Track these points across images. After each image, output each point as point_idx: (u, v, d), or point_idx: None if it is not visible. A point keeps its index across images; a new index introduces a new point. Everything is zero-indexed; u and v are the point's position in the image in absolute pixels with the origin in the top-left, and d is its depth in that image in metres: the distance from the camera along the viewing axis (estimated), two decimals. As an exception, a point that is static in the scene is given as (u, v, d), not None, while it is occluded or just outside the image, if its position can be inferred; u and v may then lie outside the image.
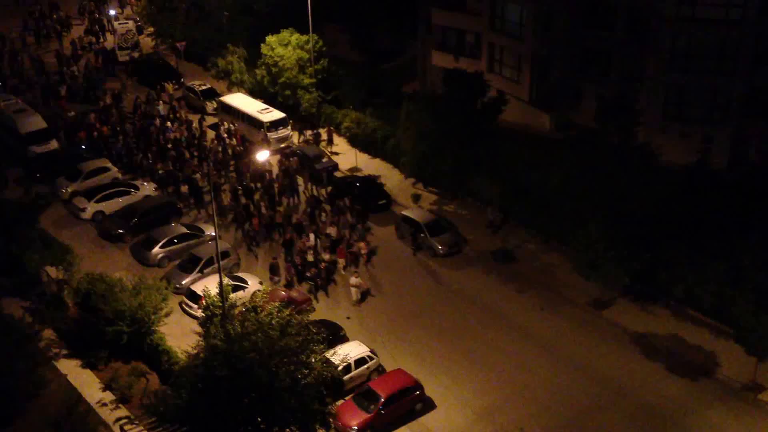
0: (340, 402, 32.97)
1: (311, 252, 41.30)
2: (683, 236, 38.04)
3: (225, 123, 54.46)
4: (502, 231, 44.80)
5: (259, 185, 47.57)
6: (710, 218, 38.51)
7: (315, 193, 47.82)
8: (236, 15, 63.83)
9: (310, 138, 53.75)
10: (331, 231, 43.29)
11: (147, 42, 67.73)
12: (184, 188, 47.36)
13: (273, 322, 29.18)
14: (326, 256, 41.61)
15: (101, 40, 68.55)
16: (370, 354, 35.08)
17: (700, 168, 41.47)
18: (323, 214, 45.39)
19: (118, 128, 53.50)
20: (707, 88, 48.51)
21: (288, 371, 28.01)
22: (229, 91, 59.22)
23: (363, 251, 42.34)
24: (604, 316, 38.87)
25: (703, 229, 38.23)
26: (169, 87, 59.21)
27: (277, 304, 31.05)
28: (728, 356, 35.73)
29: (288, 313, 30.05)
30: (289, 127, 53.53)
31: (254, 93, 57.77)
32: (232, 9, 64.39)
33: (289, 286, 39.87)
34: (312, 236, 42.38)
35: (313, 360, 29.26)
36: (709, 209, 38.71)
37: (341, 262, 41.70)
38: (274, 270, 40.59)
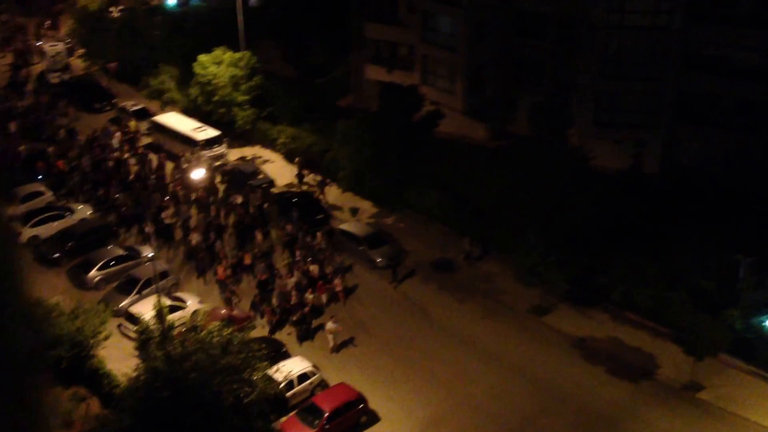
0: (283, 418, 32.98)
1: (295, 293, 39.52)
2: (620, 240, 39.07)
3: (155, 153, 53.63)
4: (481, 262, 43.71)
5: (230, 221, 45.99)
6: (645, 222, 39.68)
7: (289, 229, 45.19)
8: (168, 34, 63.53)
9: (314, 181, 51.07)
10: (313, 269, 41.60)
11: (78, 63, 66.91)
12: (149, 228, 44.59)
13: (214, 341, 29.13)
14: (309, 296, 39.48)
15: (30, 63, 67.24)
16: (312, 369, 35.18)
17: (634, 172, 42.73)
18: (298, 251, 42.97)
19: (75, 163, 52.16)
20: (638, 93, 49.90)
21: (231, 390, 28.02)
22: (163, 110, 58.81)
23: (338, 288, 40.99)
24: (545, 321, 39.63)
25: (639, 232, 39.34)
26: (133, 123, 57.88)
27: (217, 323, 30.99)
28: (667, 357, 36.70)
29: (229, 331, 30.02)
30: (225, 145, 53.37)
31: (188, 112, 57.46)
32: (163, 29, 64.10)
33: (272, 332, 38.44)
34: (293, 279, 40.56)
35: (256, 377, 29.28)
36: (644, 213, 39.91)
37: (323, 298, 40.42)
38: (255, 307, 39.50)
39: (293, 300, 39.22)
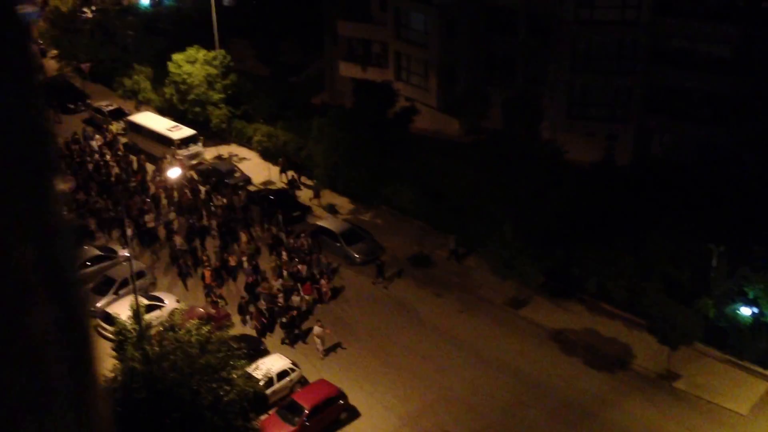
0: (264, 416, 32.58)
1: (281, 295, 38.72)
2: (594, 232, 39.09)
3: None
4: (464, 262, 43.29)
5: (213, 223, 45.21)
6: (618, 213, 39.73)
7: (274, 231, 44.72)
8: (141, 34, 62.84)
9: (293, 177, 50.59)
10: (301, 269, 40.96)
11: (51, 64, 65.93)
12: (130, 231, 43.60)
13: (192, 340, 28.67)
14: (296, 299, 38.88)
15: None
16: (291, 366, 34.81)
17: (606, 165, 42.79)
18: (284, 252, 42.23)
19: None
20: (609, 87, 50.05)
21: (210, 389, 27.56)
22: (137, 110, 58.11)
23: (324, 289, 40.35)
24: (522, 314, 39.55)
25: (612, 224, 39.37)
26: (113, 126, 57.01)
27: (195, 321, 30.52)
28: (642, 347, 36.67)
29: (207, 330, 29.56)
30: (200, 144, 52.81)
31: (163, 111, 56.86)
32: (137, 29, 63.39)
33: (261, 333, 37.42)
34: (279, 281, 39.88)
35: (235, 376, 28.86)
36: (617, 205, 39.95)
37: (308, 298, 39.47)
38: (242, 311, 38.48)
39: (280, 302, 38.46)
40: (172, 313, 34.44)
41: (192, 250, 42.88)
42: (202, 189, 48.89)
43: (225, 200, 47.00)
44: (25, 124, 2.25)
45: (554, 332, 38.27)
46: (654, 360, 36.03)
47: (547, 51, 50.37)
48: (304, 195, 49.24)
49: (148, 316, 33.37)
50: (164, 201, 47.64)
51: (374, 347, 37.40)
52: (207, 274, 40.26)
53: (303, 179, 50.08)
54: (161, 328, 31.58)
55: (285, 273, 40.38)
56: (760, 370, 35.02)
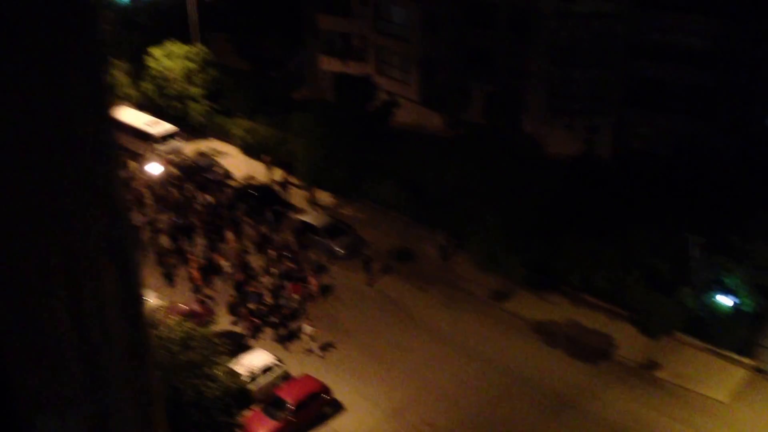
0: (248, 412, 32.16)
1: (272, 295, 38.05)
2: (575, 225, 39.03)
3: None
4: (453, 259, 42.45)
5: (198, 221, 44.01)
6: (599, 206, 39.71)
7: (263, 229, 43.66)
8: (118, 29, 61.89)
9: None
10: (290, 266, 40.12)
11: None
12: None
13: (173, 336, 28.16)
14: (287, 296, 38.21)
15: None
16: (275, 362, 34.39)
17: (587, 158, 42.74)
18: (273, 251, 41.44)
19: None
20: (589, 80, 49.97)
21: (192, 385, 27.07)
22: (116, 105, 57.31)
23: (314, 287, 39.38)
24: (505, 307, 39.38)
25: (593, 216, 39.34)
26: None
27: (177, 318, 30.02)
28: (624, 337, 36.73)
29: (189, 326, 29.06)
30: (180, 139, 52.14)
31: (142, 106, 56.07)
32: (113, 23, 62.40)
33: (253, 335, 36.73)
34: (269, 279, 39.29)
35: (218, 372, 28.40)
36: (598, 197, 39.93)
37: (297, 297, 38.56)
38: (234, 311, 37.62)
39: (269, 301, 37.75)
40: (152, 310, 33.97)
41: (178, 249, 41.92)
42: (188, 187, 47.98)
43: (210, 198, 46.17)
44: (94, 111, 2.37)
45: (537, 324, 38.14)
46: (635, 350, 36.08)
47: (528, 44, 50.20)
48: (296, 194, 48.50)
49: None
50: (148, 200, 46.66)
51: (359, 341, 37.07)
52: (194, 273, 39.47)
53: (291, 178, 49.23)
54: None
55: (273, 271, 39.65)
56: (739, 357, 35.18)
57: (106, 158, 2.40)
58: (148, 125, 51.59)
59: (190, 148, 53.09)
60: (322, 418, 32.73)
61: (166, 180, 47.30)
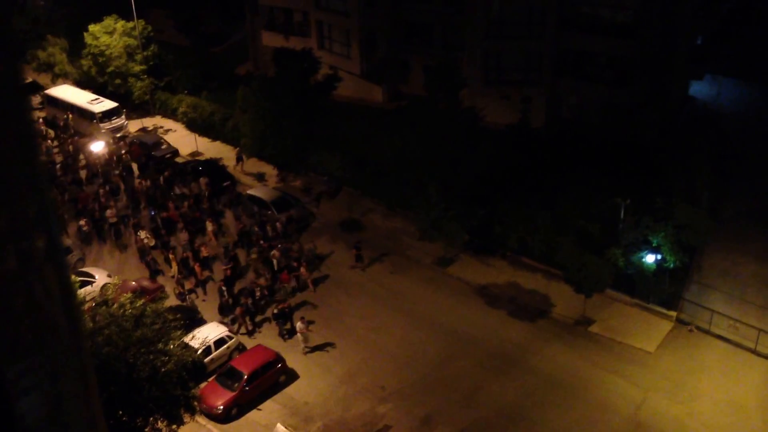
0: (203, 384, 31.56)
1: (258, 289, 36.25)
2: (512, 191, 39.15)
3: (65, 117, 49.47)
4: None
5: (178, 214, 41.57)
6: (534, 172, 39.87)
7: (245, 221, 41.65)
8: (52, 4, 59.27)
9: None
10: (275, 253, 38.22)
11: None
12: (84, 224, 40.12)
13: (126, 313, 27.29)
14: (279, 286, 36.78)
15: None
16: (228, 334, 33.79)
17: (522, 127, 42.77)
18: (261, 242, 39.46)
19: None
20: (522, 52, 49.94)
21: (146, 361, 26.29)
22: (54, 83, 54.99)
23: (304, 276, 37.86)
24: (449, 272, 39.39)
25: (529, 183, 39.50)
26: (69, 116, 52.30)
27: (129, 295, 29.09)
28: (560, 296, 37.15)
29: (141, 302, 28.21)
30: (123, 117, 50.43)
31: (82, 84, 53.98)
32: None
33: (250, 334, 35.19)
34: (259, 275, 37.34)
35: (172, 347, 27.67)
36: (532, 164, 40.06)
37: (287, 287, 37.13)
38: (225, 310, 35.53)
39: (258, 295, 36.16)
40: (104, 288, 32.96)
41: (161, 244, 39.59)
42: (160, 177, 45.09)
43: (186, 190, 44.11)
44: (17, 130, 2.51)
45: (480, 287, 38.29)
46: (571, 308, 36.57)
47: (463, 18, 49.82)
48: (229, 163, 47.49)
49: (79, 292, 31.69)
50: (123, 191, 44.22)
51: (310, 310, 36.64)
52: (174, 266, 37.56)
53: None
54: (93, 304, 30.03)
55: (255, 261, 37.97)
56: (664, 311, 36.06)
57: (27, 145, 2.51)
58: (91, 103, 49.70)
59: (134, 126, 51.48)
60: (278, 387, 32.32)
61: (125, 164, 44.93)
